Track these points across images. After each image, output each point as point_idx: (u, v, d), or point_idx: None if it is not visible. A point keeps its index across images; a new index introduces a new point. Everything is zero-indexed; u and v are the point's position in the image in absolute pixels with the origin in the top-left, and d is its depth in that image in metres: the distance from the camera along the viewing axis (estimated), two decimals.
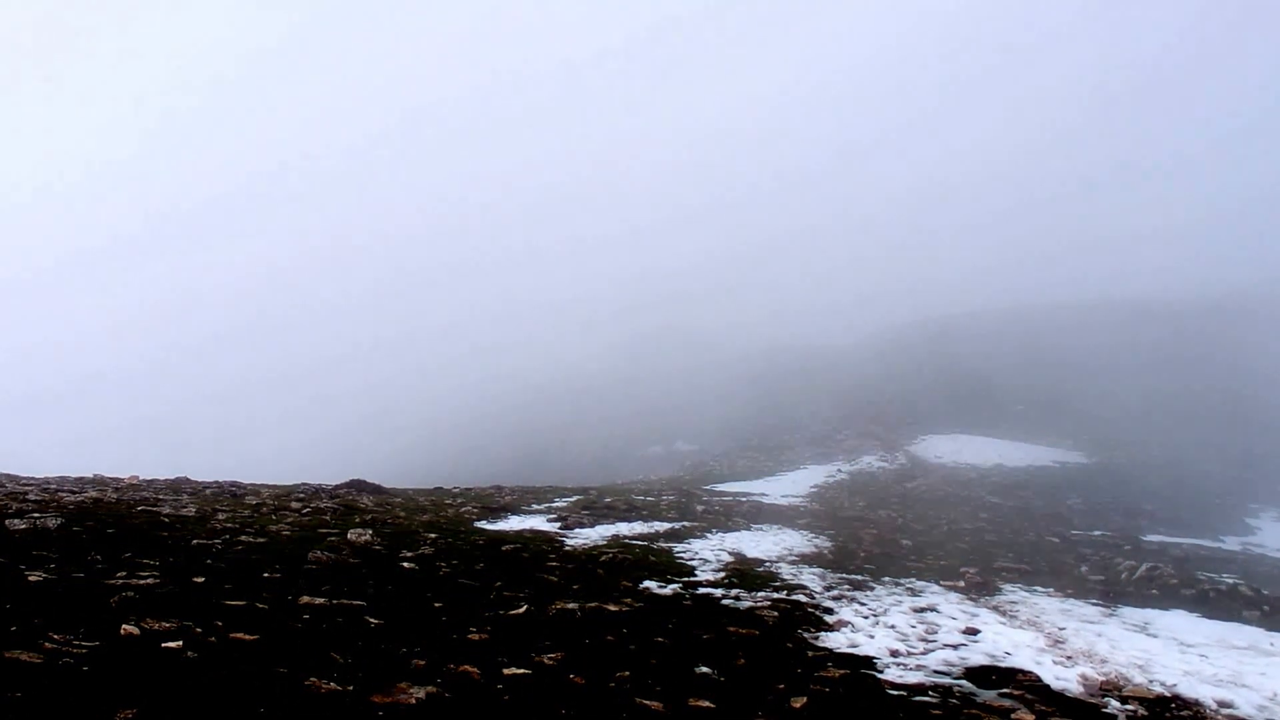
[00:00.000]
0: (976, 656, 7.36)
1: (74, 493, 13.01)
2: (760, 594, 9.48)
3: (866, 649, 7.35)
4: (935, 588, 11.30)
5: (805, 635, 7.64)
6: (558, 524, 16.94)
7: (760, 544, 15.20)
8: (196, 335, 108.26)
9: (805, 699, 5.45)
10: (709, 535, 16.17)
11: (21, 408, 79.53)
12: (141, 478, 19.46)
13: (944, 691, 6.10)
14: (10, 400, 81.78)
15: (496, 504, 20.99)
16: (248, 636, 5.22)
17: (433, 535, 11.73)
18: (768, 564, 12.59)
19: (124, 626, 4.97)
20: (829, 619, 8.51)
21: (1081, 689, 6.54)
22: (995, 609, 10.03)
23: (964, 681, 6.50)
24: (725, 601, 8.85)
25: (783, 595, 9.56)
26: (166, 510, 11.51)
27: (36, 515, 8.59)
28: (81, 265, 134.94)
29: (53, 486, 14.45)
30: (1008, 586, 12.08)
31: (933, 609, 9.51)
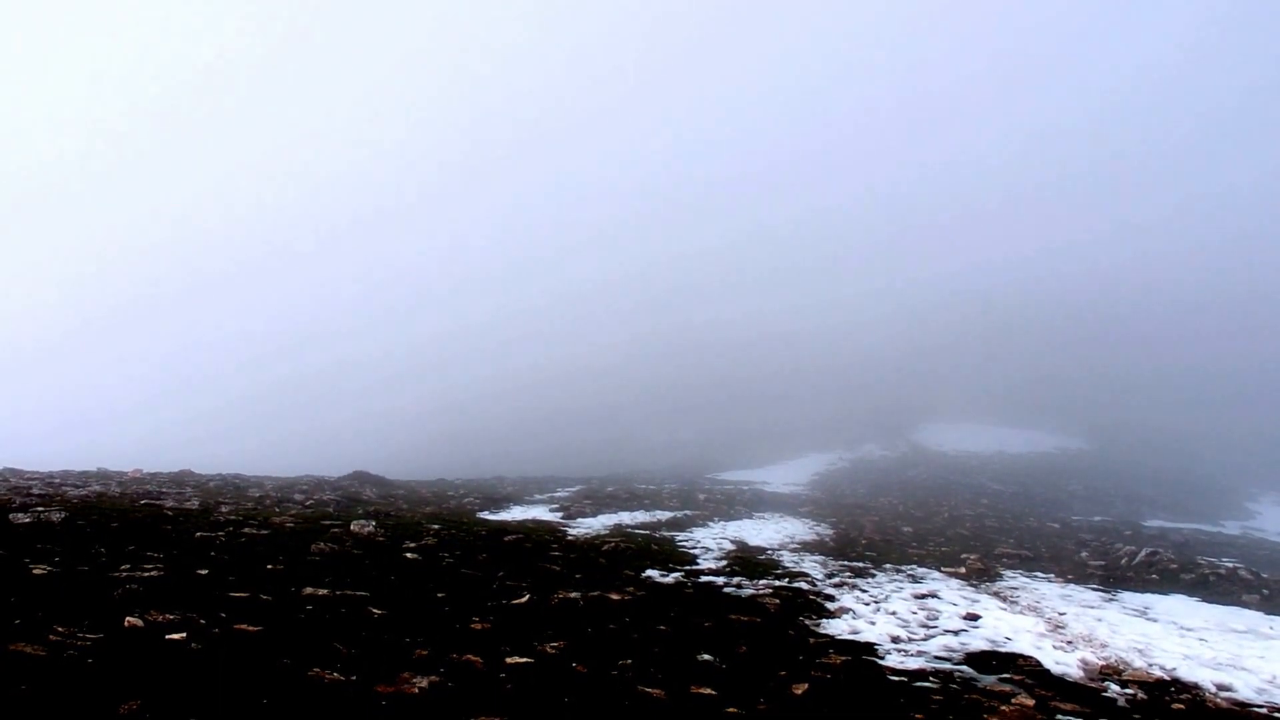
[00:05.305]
0: (977, 642, 7.39)
1: (77, 486, 13.06)
2: (762, 582, 9.52)
3: (868, 635, 7.39)
4: (936, 574, 11.34)
5: (807, 622, 7.67)
6: (560, 514, 17.00)
7: (762, 532, 15.26)
8: (200, 338, 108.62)
9: (806, 685, 5.48)
10: (711, 523, 16.24)
11: (26, 405, 79.74)
12: (145, 471, 19.52)
13: (945, 677, 6.13)
14: (14, 397, 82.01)
15: (499, 495, 21.06)
16: (251, 628, 5.24)
17: (435, 526, 11.78)
18: (769, 552, 12.64)
19: (128, 619, 5.00)
20: (830, 606, 8.55)
21: (1082, 673, 6.57)
22: (996, 595, 10.06)
23: (965, 667, 6.53)
24: (727, 589, 8.89)
25: (784, 583, 9.60)
26: (170, 503, 11.56)
27: (40, 509, 8.62)
28: (90, 274, 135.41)
29: (56, 480, 14.50)
30: (1008, 572, 12.12)
31: (934, 595, 9.55)
